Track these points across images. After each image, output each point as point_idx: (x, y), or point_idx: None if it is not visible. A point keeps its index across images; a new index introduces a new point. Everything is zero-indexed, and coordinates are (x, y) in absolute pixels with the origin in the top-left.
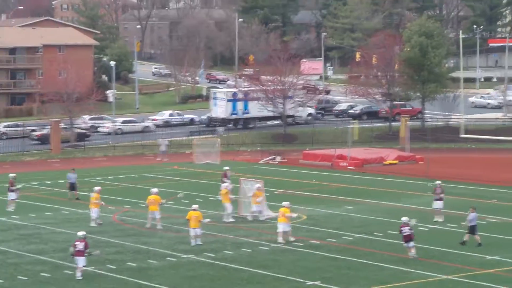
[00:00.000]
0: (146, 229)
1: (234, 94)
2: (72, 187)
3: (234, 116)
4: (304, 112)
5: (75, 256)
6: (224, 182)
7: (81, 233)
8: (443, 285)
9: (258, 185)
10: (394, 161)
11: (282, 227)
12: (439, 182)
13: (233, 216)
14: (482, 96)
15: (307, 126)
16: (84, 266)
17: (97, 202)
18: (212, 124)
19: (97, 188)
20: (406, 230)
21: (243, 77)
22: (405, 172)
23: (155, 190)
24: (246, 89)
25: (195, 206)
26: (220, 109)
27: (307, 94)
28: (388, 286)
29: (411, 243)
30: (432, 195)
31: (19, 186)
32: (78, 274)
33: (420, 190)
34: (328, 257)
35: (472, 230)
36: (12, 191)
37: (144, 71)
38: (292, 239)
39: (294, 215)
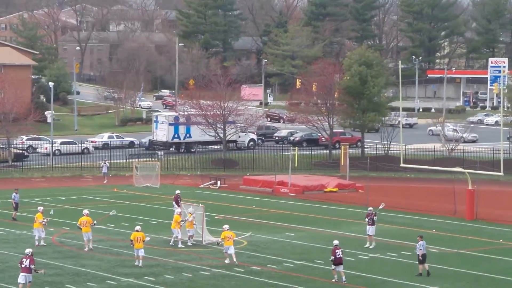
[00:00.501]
0: (85, 252)
1: (176, 118)
2: (16, 207)
3: (176, 140)
4: (246, 137)
5: (21, 272)
6: (176, 206)
7: (28, 250)
8: None
9: (190, 209)
10: (335, 189)
11: (231, 250)
12: (371, 208)
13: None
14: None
15: (248, 151)
16: (29, 282)
17: (41, 222)
18: (153, 147)
19: (40, 208)
20: (339, 253)
21: (183, 101)
22: (345, 200)
23: (86, 211)
24: (186, 113)
25: (138, 227)
26: (161, 132)
27: (247, 120)
28: None
29: (341, 267)
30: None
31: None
32: None
33: (360, 218)
34: (269, 283)
35: (423, 258)
36: None
37: (83, 93)
38: (236, 263)
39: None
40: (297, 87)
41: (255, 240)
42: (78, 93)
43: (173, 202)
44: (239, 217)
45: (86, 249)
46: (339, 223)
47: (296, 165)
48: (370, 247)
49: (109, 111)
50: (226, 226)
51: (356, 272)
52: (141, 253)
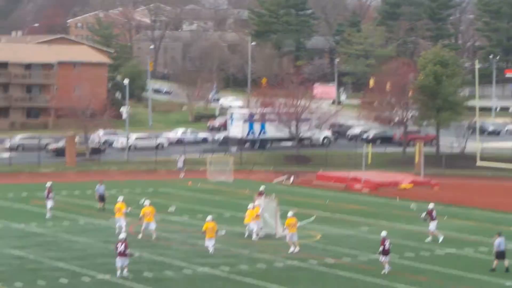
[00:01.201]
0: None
1: (251, 115)
2: (102, 198)
3: (250, 137)
4: (320, 134)
5: (118, 257)
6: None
7: (122, 235)
8: None
9: (257, 202)
10: (409, 185)
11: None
12: (432, 205)
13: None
14: None
15: (320, 148)
16: (126, 265)
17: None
18: (228, 143)
19: (120, 198)
20: (387, 245)
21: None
22: (420, 197)
23: (148, 201)
24: (259, 110)
25: (210, 218)
26: (236, 129)
27: (320, 118)
28: None
29: (388, 257)
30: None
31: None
32: (119, 273)
33: (437, 214)
34: (343, 276)
35: (501, 255)
36: (49, 198)
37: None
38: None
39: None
40: (370, 86)
41: (328, 234)
42: (168, 93)
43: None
44: (312, 211)
45: (153, 237)
46: (414, 218)
47: (369, 162)
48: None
49: (183, 108)
50: (290, 213)
51: (431, 266)
52: (210, 243)
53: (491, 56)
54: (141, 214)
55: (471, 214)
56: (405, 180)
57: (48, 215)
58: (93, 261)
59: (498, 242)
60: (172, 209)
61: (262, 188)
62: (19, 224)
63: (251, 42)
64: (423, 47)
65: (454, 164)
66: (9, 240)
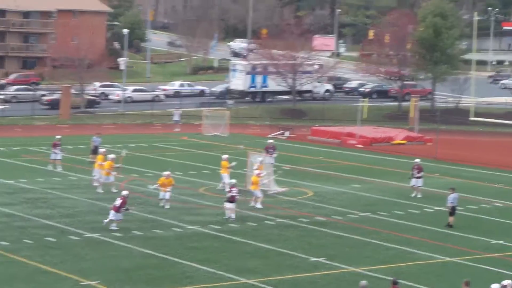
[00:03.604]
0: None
1: (254, 67)
2: (95, 150)
3: (252, 89)
4: (322, 88)
5: (111, 210)
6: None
7: (124, 192)
8: (447, 267)
9: (260, 158)
10: (403, 141)
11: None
12: (418, 160)
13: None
14: None
15: (318, 102)
16: (118, 220)
17: (105, 169)
18: (230, 96)
19: (111, 155)
20: (234, 191)
21: (254, 50)
22: (413, 153)
23: (166, 172)
24: (255, 62)
25: (166, 173)
26: (238, 81)
27: (318, 70)
28: (391, 265)
29: (232, 205)
30: (412, 173)
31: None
32: (106, 221)
33: (428, 171)
34: (333, 234)
35: (452, 211)
36: (57, 152)
37: (156, 40)
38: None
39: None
40: (369, 37)
41: (320, 191)
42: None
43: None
44: (306, 168)
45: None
46: (406, 175)
47: (365, 117)
48: (418, 196)
49: (181, 59)
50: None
51: (420, 224)
52: (167, 196)
53: (490, 8)
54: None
55: (462, 172)
56: (399, 135)
57: (58, 168)
58: (82, 219)
59: (453, 197)
60: (123, 152)
61: (270, 141)
62: (8, 180)
63: None
64: None
65: (449, 119)
66: None
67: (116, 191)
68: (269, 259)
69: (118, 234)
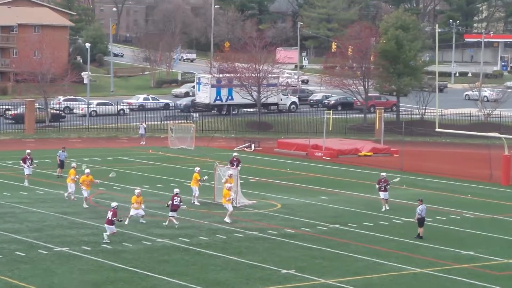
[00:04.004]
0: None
1: (219, 80)
2: (61, 165)
3: (218, 102)
4: (287, 100)
5: (105, 224)
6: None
7: (114, 204)
8: (417, 278)
9: (229, 172)
10: (369, 153)
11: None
12: (384, 174)
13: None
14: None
15: (282, 115)
16: (112, 232)
17: (73, 178)
18: (196, 109)
19: (87, 170)
20: (177, 200)
21: (218, 64)
22: (380, 164)
23: (137, 191)
24: (220, 75)
25: (138, 191)
26: (204, 94)
27: (282, 85)
28: (362, 277)
29: (174, 213)
30: (378, 185)
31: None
32: (105, 238)
33: (395, 183)
34: (303, 246)
35: (420, 222)
36: (27, 166)
37: (119, 54)
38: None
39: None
40: (332, 50)
41: (288, 203)
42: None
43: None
44: (273, 180)
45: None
46: (373, 187)
47: (330, 129)
48: (384, 209)
49: (145, 73)
50: (228, 185)
51: (389, 236)
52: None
53: (451, 21)
54: (80, 182)
55: (429, 183)
56: (365, 147)
57: (25, 183)
58: (50, 233)
59: (421, 208)
60: (113, 174)
61: (235, 154)
62: None
63: (215, 5)
64: (385, 11)
65: (414, 131)
66: None
67: (87, 206)
68: (239, 272)
69: (87, 248)
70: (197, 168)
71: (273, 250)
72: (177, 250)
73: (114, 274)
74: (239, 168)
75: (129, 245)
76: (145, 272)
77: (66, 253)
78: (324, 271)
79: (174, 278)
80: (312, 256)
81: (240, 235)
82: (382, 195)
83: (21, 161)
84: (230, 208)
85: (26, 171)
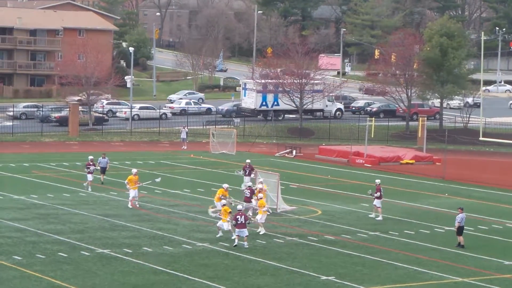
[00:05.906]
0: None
1: (264, 85)
2: (103, 171)
3: (263, 108)
4: (333, 107)
5: (237, 228)
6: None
7: (239, 207)
8: (458, 287)
9: (259, 185)
10: (411, 161)
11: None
12: (378, 181)
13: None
14: None
15: (324, 121)
16: (246, 236)
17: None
18: (242, 114)
19: (134, 170)
20: (241, 220)
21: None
22: (422, 172)
23: (134, 170)
24: (263, 81)
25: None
26: (250, 99)
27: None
28: (402, 285)
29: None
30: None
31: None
32: (236, 241)
33: (437, 191)
34: (343, 253)
35: (460, 230)
36: (90, 172)
37: (162, 58)
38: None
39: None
40: (375, 57)
41: (329, 210)
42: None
43: (242, 169)
44: (314, 187)
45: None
46: (415, 195)
47: (372, 136)
48: (377, 218)
49: (187, 78)
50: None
51: (430, 244)
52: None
53: (497, 28)
54: (126, 181)
55: (472, 192)
56: (407, 155)
57: (88, 188)
58: (92, 235)
59: (461, 217)
60: (158, 179)
61: (248, 161)
62: (20, 196)
63: (258, 11)
64: (430, 18)
65: (457, 139)
66: (10, 211)
67: (131, 207)
68: (279, 277)
69: (128, 250)
70: (225, 185)
71: (313, 256)
72: (217, 255)
73: (155, 277)
74: (252, 175)
75: (169, 248)
76: (185, 276)
77: (107, 255)
78: (364, 278)
79: (214, 282)
80: (352, 263)
81: (280, 241)
82: (376, 202)
83: (85, 167)
84: (262, 220)
85: (89, 178)
